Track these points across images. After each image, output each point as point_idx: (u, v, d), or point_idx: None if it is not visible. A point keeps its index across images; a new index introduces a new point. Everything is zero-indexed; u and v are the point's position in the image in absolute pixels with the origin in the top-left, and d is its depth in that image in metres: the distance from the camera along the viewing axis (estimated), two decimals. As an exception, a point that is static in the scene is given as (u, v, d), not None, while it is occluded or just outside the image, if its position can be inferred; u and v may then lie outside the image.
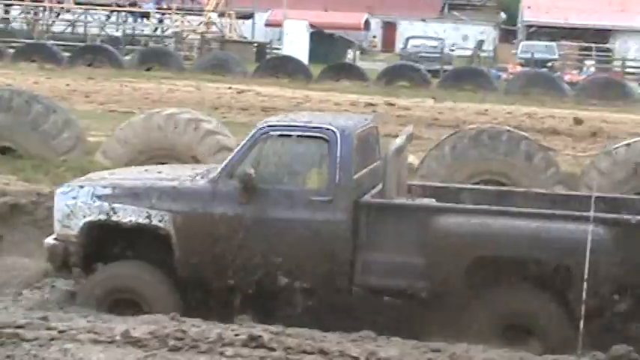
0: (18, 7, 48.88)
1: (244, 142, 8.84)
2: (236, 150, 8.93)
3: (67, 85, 26.29)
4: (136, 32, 47.65)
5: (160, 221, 8.66)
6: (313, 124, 8.87)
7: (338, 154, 8.56)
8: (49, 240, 9.05)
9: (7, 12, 49.88)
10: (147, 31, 48.36)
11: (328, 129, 8.68)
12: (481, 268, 8.35)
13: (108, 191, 8.87)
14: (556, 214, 8.63)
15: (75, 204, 8.88)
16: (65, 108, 15.59)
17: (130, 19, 48.82)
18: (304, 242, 8.49)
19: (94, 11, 48.51)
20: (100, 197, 8.84)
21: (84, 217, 8.84)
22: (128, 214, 8.74)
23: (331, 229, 8.48)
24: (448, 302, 8.42)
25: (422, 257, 8.39)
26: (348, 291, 8.59)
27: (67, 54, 36.31)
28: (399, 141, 9.12)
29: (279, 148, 8.70)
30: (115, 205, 8.77)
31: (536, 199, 9.61)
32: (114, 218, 8.77)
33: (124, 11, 48.60)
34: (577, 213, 8.60)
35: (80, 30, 47.85)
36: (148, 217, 8.70)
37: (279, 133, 8.74)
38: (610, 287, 8.31)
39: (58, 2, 48.73)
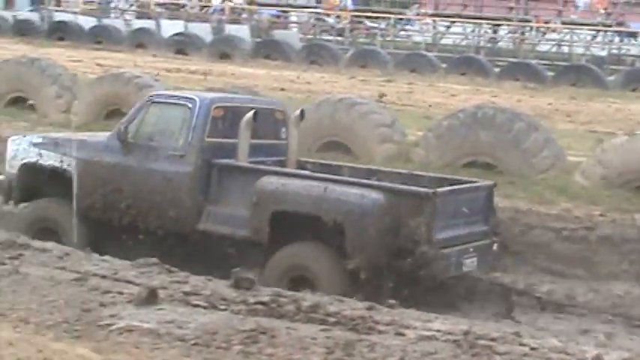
0: (506, 26, 50.01)
1: (134, 107, 11.06)
2: (128, 113, 11.13)
3: (549, 104, 26.37)
4: (622, 52, 46.78)
5: (68, 165, 11.06)
6: (184, 95, 11.06)
7: (194, 119, 10.53)
8: (0, 177, 11.65)
9: (495, 31, 51.26)
10: (634, 51, 47.29)
11: (192, 99, 10.72)
12: (279, 222, 9.84)
13: (40, 140, 11.44)
14: (343, 180, 10.00)
15: (18, 149, 11.51)
16: (546, 127, 15.65)
17: (617, 39, 48.04)
18: (162, 189, 10.48)
19: (579, 31, 48.40)
20: (34, 145, 11.39)
21: (22, 159, 11.43)
22: (49, 159, 11.22)
23: (180, 179, 10.45)
24: (262, 250, 9.98)
25: (248, 210, 10.01)
26: (193, 234, 10.38)
27: (550, 73, 36.51)
28: (248, 116, 10.58)
29: (157, 113, 10.82)
30: (42, 151, 11.27)
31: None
32: (40, 161, 11.27)
33: (611, 31, 47.94)
34: (360, 180, 10.02)
35: (565, 49, 47.95)
36: (61, 162, 11.13)
37: (158, 101, 10.92)
38: (380, 246, 9.38)
39: (545, 22, 49.18)
